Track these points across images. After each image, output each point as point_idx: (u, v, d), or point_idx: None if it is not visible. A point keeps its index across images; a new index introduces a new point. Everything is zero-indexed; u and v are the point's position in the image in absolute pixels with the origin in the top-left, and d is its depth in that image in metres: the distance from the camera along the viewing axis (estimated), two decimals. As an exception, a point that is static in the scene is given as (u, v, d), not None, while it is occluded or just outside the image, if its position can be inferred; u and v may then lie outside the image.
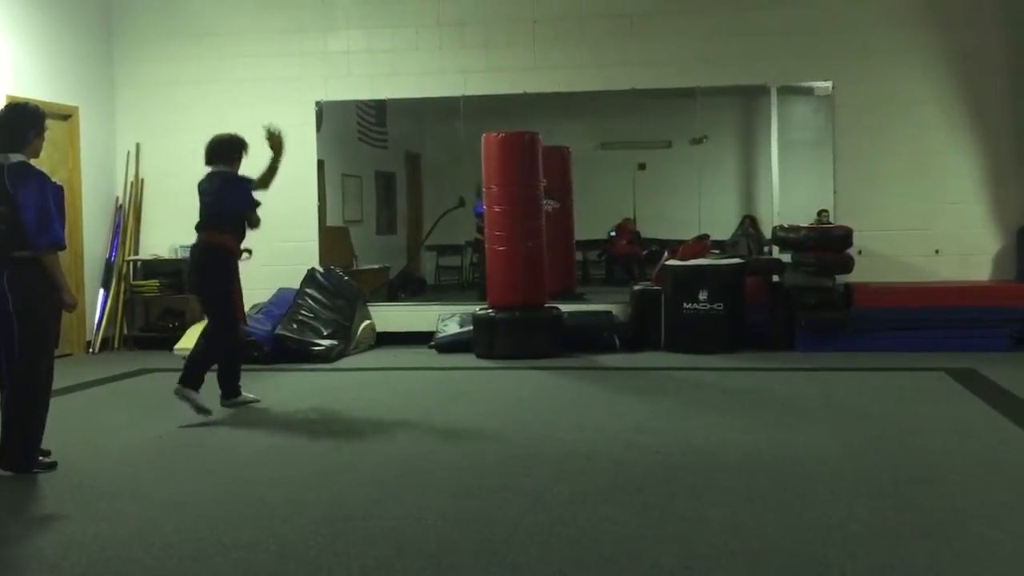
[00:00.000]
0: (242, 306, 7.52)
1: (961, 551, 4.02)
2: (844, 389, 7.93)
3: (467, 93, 11.29)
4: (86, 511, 4.86)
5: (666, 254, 10.78)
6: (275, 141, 7.54)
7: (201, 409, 6.97)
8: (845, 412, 6.96)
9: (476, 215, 12.08)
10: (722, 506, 4.67)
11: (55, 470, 5.56)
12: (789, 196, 11.07)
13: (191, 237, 11.12)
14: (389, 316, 11.33)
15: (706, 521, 4.46)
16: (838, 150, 10.83)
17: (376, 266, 13.03)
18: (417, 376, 9.18)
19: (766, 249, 11.49)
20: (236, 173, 7.34)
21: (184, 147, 11.44)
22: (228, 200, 7.20)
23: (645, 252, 13.71)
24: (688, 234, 11.02)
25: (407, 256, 14.12)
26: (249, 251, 7.66)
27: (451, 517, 4.63)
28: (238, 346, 7.54)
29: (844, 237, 10.16)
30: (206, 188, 7.29)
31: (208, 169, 7.40)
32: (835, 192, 10.84)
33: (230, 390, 7.50)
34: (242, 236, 7.38)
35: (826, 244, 10.17)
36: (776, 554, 4.03)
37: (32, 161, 5.58)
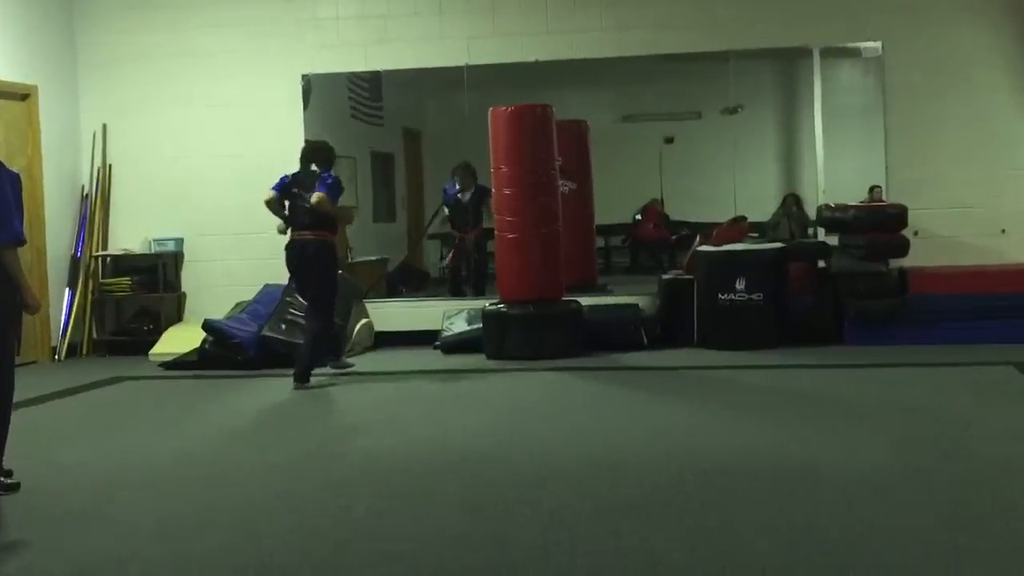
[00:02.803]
0: None
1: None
2: (899, 387, 7.93)
3: (472, 62, 11.28)
4: (53, 537, 4.88)
5: (698, 239, 10.77)
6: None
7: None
8: (900, 414, 6.96)
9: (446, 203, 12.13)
10: (761, 523, 4.68)
11: (17, 492, 5.58)
12: (836, 171, 11.04)
13: (165, 228, 11.38)
14: (388, 313, 11.35)
15: (743, 540, 4.47)
16: (890, 118, 10.79)
17: (373, 258, 13.03)
18: (421, 380, 9.19)
19: (811, 231, 11.47)
20: (333, 176, 8.93)
21: (156, 128, 11.58)
22: (332, 193, 8.79)
23: (675, 237, 13.70)
24: (722, 216, 11.01)
25: (408, 246, 14.14)
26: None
27: (461, 536, 4.65)
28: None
29: (898, 216, 10.13)
30: (307, 187, 8.73)
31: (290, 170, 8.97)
32: (887, 166, 10.81)
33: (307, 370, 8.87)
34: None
35: (878, 224, 10.14)
36: None
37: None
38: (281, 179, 8.94)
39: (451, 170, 11.97)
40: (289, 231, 8.88)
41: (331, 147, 9.17)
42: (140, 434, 7.21)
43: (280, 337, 10.07)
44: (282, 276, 10.73)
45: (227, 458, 6.45)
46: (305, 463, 6.19)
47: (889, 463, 5.63)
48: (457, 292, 11.92)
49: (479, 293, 11.66)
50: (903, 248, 10.17)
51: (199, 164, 11.48)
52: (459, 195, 11.83)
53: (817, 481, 5.28)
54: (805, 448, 6.01)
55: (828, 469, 5.50)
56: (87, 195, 11.68)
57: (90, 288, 11.50)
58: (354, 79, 12.72)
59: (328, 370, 9.12)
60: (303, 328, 9.20)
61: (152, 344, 10.94)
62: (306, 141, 9.24)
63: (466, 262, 11.97)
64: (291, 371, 8.79)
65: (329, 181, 8.78)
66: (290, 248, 8.88)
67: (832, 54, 11.15)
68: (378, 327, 11.20)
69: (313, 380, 8.77)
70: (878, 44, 10.86)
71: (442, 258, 12.46)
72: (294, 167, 11.22)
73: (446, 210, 12.22)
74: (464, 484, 5.53)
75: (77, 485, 5.83)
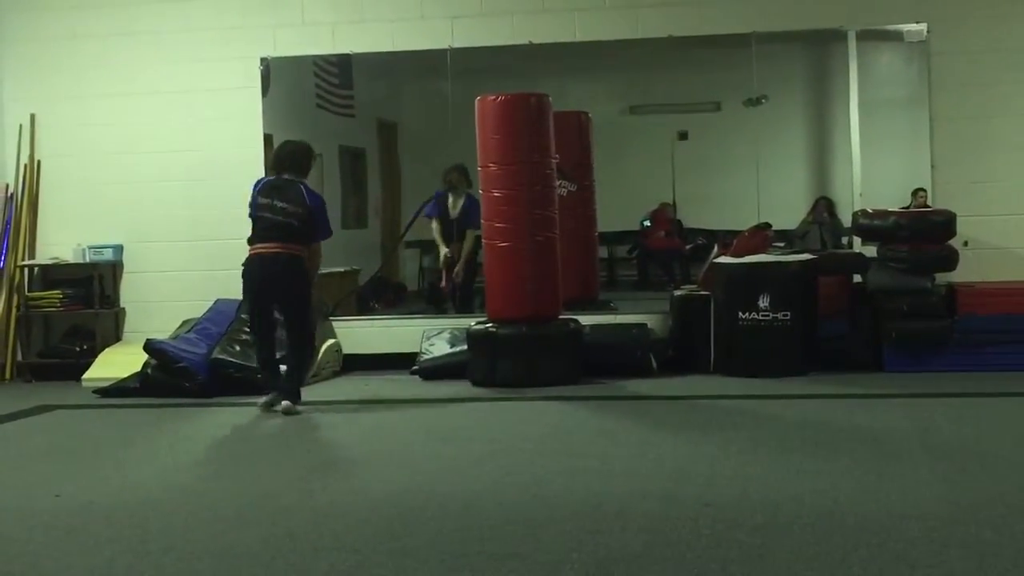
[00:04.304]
0: None
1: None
2: (947, 422, 7.91)
3: (456, 44, 11.28)
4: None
5: (716, 249, 10.77)
6: None
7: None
8: (949, 452, 6.94)
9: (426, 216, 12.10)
10: (791, 577, 4.66)
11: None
12: (873, 172, 11.06)
13: (102, 234, 11.32)
14: (359, 333, 11.33)
15: (771, 597, 4.44)
16: (936, 112, 10.81)
17: (341, 269, 13.00)
18: (396, 411, 9.17)
19: (844, 241, 11.47)
20: (319, 195, 9.37)
21: (91, 119, 11.57)
22: (323, 226, 9.11)
23: (689, 247, 13.69)
24: (744, 223, 10.99)
25: (381, 256, 14.11)
26: None
27: (440, 595, 4.62)
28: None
29: (945, 224, 10.14)
30: (284, 197, 8.90)
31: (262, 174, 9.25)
32: (933, 166, 10.82)
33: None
34: None
35: (922, 233, 10.16)
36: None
37: None
38: (254, 186, 9.11)
39: (443, 173, 11.91)
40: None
41: (311, 150, 9.38)
42: (69, 473, 7.15)
43: (234, 360, 10.03)
44: (237, 290, 10.70)
45: (167, 502, 6.39)
46: (256, 509, 6.13)
47: (945, 509, 5.59)
48: (441, 309, 11.86)
49: (465, 310, 11.64)
50: (951, 261, 10.18)
51: (141, 160, 11.45)
52: (450, 205, 11.77)
53: (862, 534, 5.24)
54: (843, 492, 5.97)
55: (874, 519, 5.46)
56: (12, 196, 11.64)
57: (14, 303, 11.45)
58: (321, 63, 12.70)
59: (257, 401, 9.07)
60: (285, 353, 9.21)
61: (86, 367, 10.89)
62: (286, 141, 9.55)
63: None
64: (246, 400, 8.76)
65: (327, 222, 9.13)
66: (253, 262, 8.92)
67: (870, 37, 11.16)
68: (347, 349, 11.18)
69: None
70: (923, 26, 10.87)
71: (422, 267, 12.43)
72: (250, 164, 11.25)
73: (434, 224, 12.11)
74: (445, 533, 5.48)
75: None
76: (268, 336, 9.13)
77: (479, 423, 8.55)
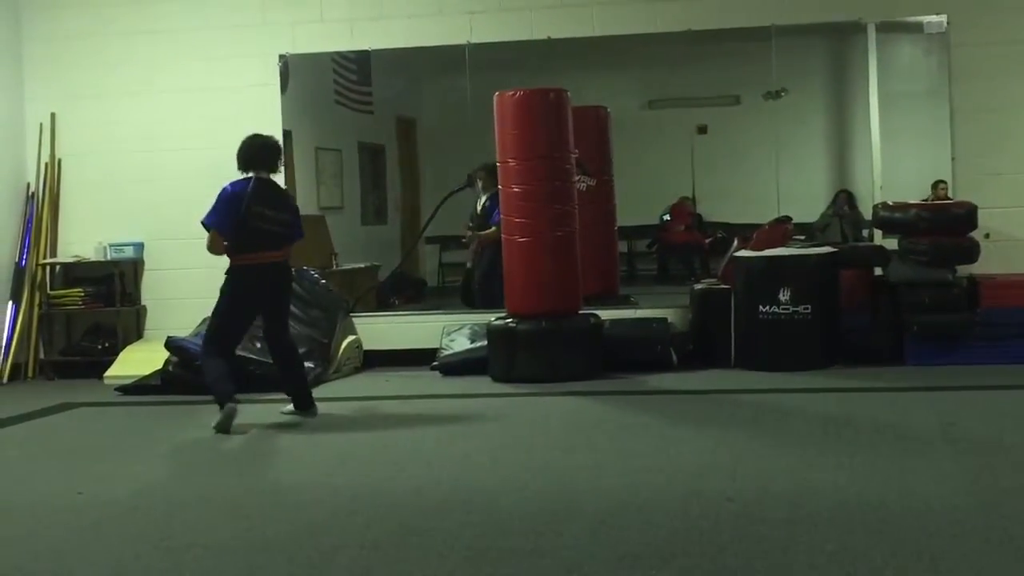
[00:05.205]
0: None
1: None
2: (970, 415, 7.88)
3: (475, 40, 11.27)
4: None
5: (735, 243, 10.74)
6: None
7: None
8: (972, 446, 6.91)
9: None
10: (813, 571, 4.64)
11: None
12: (894, 164, 11.02)
13: (123, 232, 11.35)
14: (379, 330, 11.33)
15: (793, 591, 4.43)
16: (956, 104, 10.76)
17: (362, 265, 13.04)
18: (416, 407, 9.19)
19: (865, 233, 11.43)
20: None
21: (112, 117, 11.59)
22: (299, 230, 8.73)
23: (708, 240, 13.68)
24: (764, 216, 10.97)
25: (401, 252, 14.12)
26: None
27: (462, 591, 4.61)
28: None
29: (966, 216, 10.09)
30: (274, 205, 8.46)
31: (241, 174, 8.45)
32: (953, 158, 10.78)
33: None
34: None
35: (943, 226, 10.11)
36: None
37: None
38: (228, 197, 8.33)
39: (473, 172, 11.81)
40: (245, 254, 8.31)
41: (280, 146, 8.74)
42: (91, 470, 7.17)
43: (253, 357, 10.02)
44: (256, 287, 10.73)
45: (188, 499, 6.41)
46: (277, 503, 6.15)
47: (968, 503, 5.57)
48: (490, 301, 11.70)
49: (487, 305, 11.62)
50: (972, 253, 10.15)
51: (161, 158, 11.47)
52: (476, 202, 11.77)
53: (885, 527, 5.22)
54: (866, 486, 5.96)
55: (897, 512, 5.45)
56: (33, 194, 11.67)
57: (36, 301, 11.49)
58: (339, 60, 12.72)
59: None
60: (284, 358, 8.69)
61: (108, 365, 10.93)
62: (255, 135, 8.51)
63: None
64: (266, 397, 8.77)
65: (298, 213, 8.76)
66: (252, 271, 8.29)
67: (890, 29, 11.11)
68: (367, 345, 11.18)
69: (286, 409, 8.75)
70: (943, 18, 10.82)
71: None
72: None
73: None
74: (466, 529, 5.48)
75: (19, 530, 5.79)
76: (236, 348, 8.74)
77: (499, 419, 8.53)
